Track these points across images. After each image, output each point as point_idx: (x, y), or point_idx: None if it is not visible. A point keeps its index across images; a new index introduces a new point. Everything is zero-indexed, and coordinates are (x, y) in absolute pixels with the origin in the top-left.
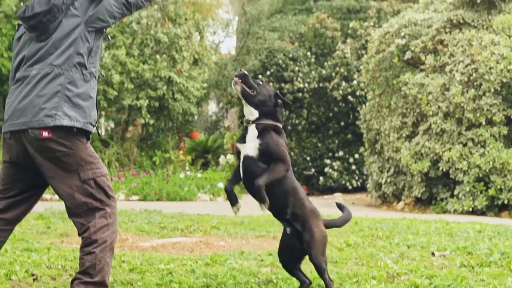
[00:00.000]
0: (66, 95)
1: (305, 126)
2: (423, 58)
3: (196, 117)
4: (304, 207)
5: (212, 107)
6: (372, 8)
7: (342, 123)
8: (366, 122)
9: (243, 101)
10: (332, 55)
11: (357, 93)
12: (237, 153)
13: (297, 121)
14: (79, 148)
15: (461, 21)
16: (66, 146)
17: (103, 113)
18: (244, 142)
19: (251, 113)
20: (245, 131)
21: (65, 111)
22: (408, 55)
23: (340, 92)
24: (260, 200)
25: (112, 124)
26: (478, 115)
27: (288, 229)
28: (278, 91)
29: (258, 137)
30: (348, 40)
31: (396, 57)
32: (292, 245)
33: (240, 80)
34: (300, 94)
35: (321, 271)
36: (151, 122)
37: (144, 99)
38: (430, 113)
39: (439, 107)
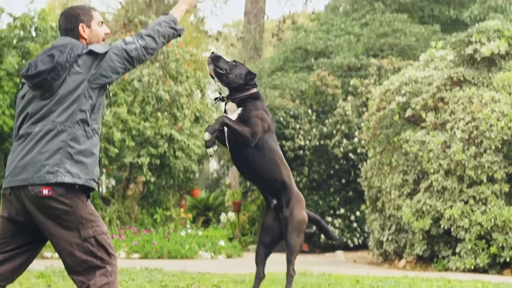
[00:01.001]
0: (68, 152)
1: (306, 184)
2: (423, 115)
3: (197, 175)
4: (292, 183)
5: (213, 165)
6: (372, 66)
7: (343, 181)
8: (367, 179)
9: (215, 79)
10: (333, 113)
11: (358, 151)
12: None
13: (298, 179)
14: (80, 206)
15: (462, 79)
16: (66, 204)
17: (104, 170)
18: (226, 114)
19: (222, 90)
20: (225, 106)
21: (67, 168)
22: (408, 112)
23: (341, 149)
24: (210, 129)
25: (113, 182)
26: (479, 172)
27: (274, 202)
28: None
29: (239, 106)
30: (349, 98)
31: (396, 114)
32: (273, 227)
33: (211, 62)
34: (301, 151)
35: (291, 251)
36: (152, 179)
37: (145, 157)
38: (431, 170)
39: (440, 164)
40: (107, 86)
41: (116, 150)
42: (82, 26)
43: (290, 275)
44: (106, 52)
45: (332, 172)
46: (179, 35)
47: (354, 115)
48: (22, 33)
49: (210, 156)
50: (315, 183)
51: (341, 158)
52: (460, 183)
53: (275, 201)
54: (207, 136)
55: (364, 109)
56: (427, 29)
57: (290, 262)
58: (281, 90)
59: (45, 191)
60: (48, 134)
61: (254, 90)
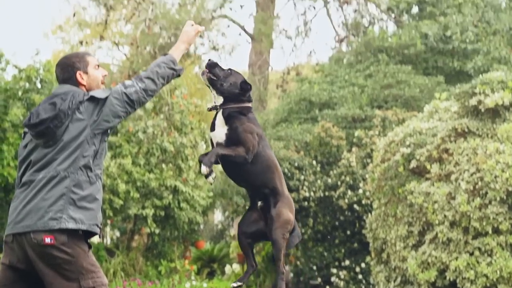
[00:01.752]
0: (71, 198)
1: (311, 235)
2: (428, 166)
3: (201, 226)
4: (283, 188)
5: (218, 216)
6: (377, 117)
7: (348, 232)
8: (372, 231)
9: (210, 88)
10: (337, 164)
11: (363, 202)
12: (211, 140)
13: (303, 230)
14: (81, 256)
15: (466, 130)
16: (68, 253)
17: (108, 222)
18: (214, 129)
19: (217, 99)
20: (214, 117)
21: (70, 214)
22: (413, 163)
23: (346, 201)
24: (207, 162)
25: (117, 233)
26: (484, 224)
27: (259, 203)
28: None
29: (226, 123)
30: (353, 149)
31: (401, 166)
32: (255, 221)
33: (207, 70)
34: (306, 203)
35: (278, 248)
36: (157, 231)
37: (149, 208)
38: (436, 222)
39: (445, 216)
40: (109, 130)
41: (121, 202)
42: (80, 74)
43: (281, 272)
44: (107, 97)
45: (337, 223)
46: (179, 75)
47: (359, 166)
48: (27, 85)
49: (211, 184)
50: (320, 234)
51: (346, 210)
52: (465, 234)
53: (260, 203)
54: (204, 170)
55: (369, 160)
56: (431, 81)
57: (278, 258)
58: (285, 142)
59: (48, 240)
60: (52, 181)
61: (248, 104)
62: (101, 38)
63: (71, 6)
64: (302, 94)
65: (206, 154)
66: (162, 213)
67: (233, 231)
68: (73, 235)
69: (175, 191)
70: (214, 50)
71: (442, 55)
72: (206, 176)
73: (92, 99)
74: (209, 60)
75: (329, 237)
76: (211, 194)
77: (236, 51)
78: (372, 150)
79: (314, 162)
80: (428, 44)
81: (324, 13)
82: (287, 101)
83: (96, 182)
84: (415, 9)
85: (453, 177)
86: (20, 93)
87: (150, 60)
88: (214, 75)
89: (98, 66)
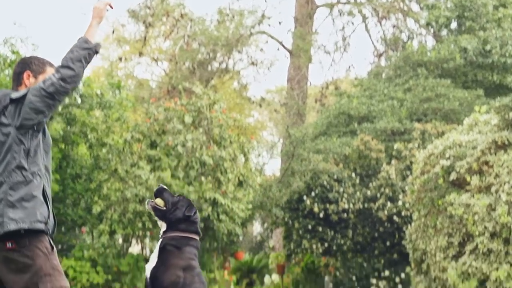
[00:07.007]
0: (9, 201)
1: (351, 246)
2: (468, 179)
3: (241, 238)
4: None
5: (257, 228)
6: (416, 130)
7: (388, 243)
8: (412, 242)
9: (156, 218)
10: (376, 176)
11: (403, 214)
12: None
13: (342, 241)
14: (41, 259)
15: (506, 142)
16: (28, 256)
17: (148, 233)
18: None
19: (161, 226)
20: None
21: (10, 216)
22: (453, 176)
23: (385, 212)
24: None
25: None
26: None
27: None
28: (192, 202)
29: (158, 257)
30: (393, 162)
31: (441, 178)
32: None
33: (152, 201)
34: (345, 214)
35: None
36: None
37: None
38: (477, 233)
39: (485, 227)
40: (36, 127)
41: None
42: (28, 74)
43: None
44: (23, 96)
45: (376, 234)
46: (97, 52)
47: (398, 178)
48: (67, 100)
49: None
50: (359, 245)
51: (385, 221)
52: (506, 245)
53: None
54: None
55: (408, 172)
56: (470, 94)
57: None
58: (324, 155)
59: (9, 244)
60: None
61: (193, 235)
62: (140, 54)
63: (110, 23)
64: (341, 108)
65: None
66: (202, 225)
67: (272, 242)
68: (34, 237)
69: (214, 203)
70: (252, 65)
71: (481, 69)
72: None
73: (12, 101)
74: (160, 186)
75: (368, 248)
76: (250, 206)
77: (275, 66)
78: (411, 162)
79: (353, 175)
80: (467, 58)
81: (362, 28)
82: (326, 115)
83: (33, 180)
84: (454, 24)
85: (493, 188)
86: (60, 108)
87: (189, 76)
88: (163, 199)
89: None
